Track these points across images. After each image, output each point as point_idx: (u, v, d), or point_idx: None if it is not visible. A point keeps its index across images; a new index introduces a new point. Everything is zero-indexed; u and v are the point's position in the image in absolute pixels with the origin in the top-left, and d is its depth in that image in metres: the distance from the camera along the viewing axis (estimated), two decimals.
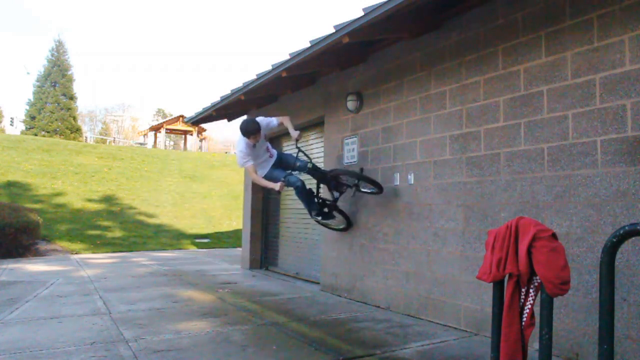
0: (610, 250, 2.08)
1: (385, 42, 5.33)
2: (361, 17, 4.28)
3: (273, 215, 8.54)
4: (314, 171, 5.43)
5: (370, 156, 5.60)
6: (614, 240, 2.06)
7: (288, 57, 5.48)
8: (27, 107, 37.25)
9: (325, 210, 5.65)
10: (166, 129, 40.00)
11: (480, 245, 4.12)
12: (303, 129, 7.17)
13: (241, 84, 6.87)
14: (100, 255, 11.22)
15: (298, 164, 5.48)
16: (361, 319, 4.67)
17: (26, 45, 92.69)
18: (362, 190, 5.37)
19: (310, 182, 5.97)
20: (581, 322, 3.34)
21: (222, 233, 15.31)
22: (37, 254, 10.87)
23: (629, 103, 3.17)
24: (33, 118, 36.51)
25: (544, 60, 3.71)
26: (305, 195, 5.47)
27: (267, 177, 5.39)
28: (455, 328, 4.30)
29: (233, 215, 17.29)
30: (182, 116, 36.76)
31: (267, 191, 8.65)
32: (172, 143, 54.48)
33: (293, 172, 5.51)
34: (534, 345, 3.27)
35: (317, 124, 7.03)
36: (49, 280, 7.00)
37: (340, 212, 5.70)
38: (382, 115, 5.44)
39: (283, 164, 5.56)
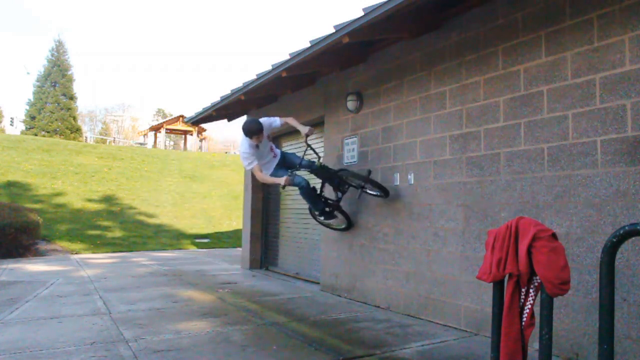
0: (610, 250, 2.08)
1: (385, 42, 5.33)
2: (361, 17, 4.28)
3: (273, 215, 8.54)
4: (322, 170, 5.35)
5: (370, 156, 5.60)
6: (614, 240, 2.06)
7: (288, 57, 5.48)
8: (27, 107, 37.26)
9: (328, 209, 5.63)
10: (166, 129, 40.00)
11: (480, 245, 4.12)
12: None
13: (241, 84, 6.87)
14: (100, 255, 11.22)
15: (303, 163, 5.39)
16: (361, 319, 4.67)
17: (26, 45, 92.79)
18: (368, 192, 5.32)
19: (314, 181, 5.95)
20: (581, 322, 3.34)
21: (222, 233, 15.31)
22: (37, 254, 10.87)
23: (629, 103, 3.17)
24: (33, 118, 36.52)
25: (544, 60, 3.71)
26: (310, 195, 5.44)
27: (272, 177, 5.38)
28: (455, 328, 4.30)
29: (233, 215, 17.29)
30: (182, 116, 36.76)
31: (267, 191, 8.66)
32: (172, 143, 54.48)
33: (298, 171, 5.46)
34: (534, 345, 3.27)
35: (317, 124, 7.02)
36: (49, 280, 7.00)
37: (342, 212, 5.69)
38: (382, 115, 5.44)
39: (287, 163, 5.54)
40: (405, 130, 5.10)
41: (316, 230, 6.92)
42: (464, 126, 4.38)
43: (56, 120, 36.30)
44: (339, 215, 5.71)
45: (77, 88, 73.11)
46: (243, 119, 9.18)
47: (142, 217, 15.75)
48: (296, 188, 5.50)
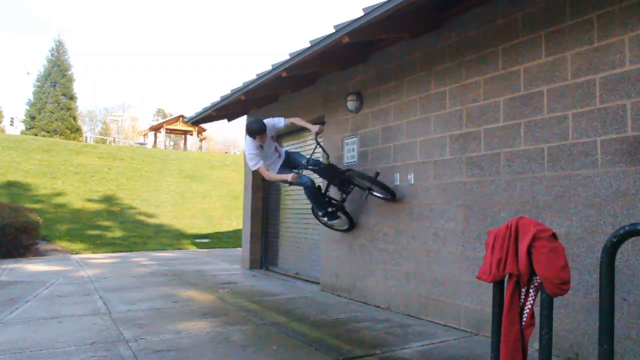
0: (610, 250, 2.08)
1: (385, 42, 5.33)
2: (361, 17, 4.28)
3: (273, 215, 8.53)
4: (329, 169, 5.30)
5: (370, 156, 5.60)
6: (614, 240, 2.06)
7: (288, 57, 5.48)
8: (27, 107, 37.27)
9: (332, 210, 5.62)
10: (166, 129, 40.00)
11: (480, 245, 4.12)
12: (303, 129, 7.15)
13: (241, 84, 6.87)
14: (100, 255, 11.22)
15: (310, 162, 5.32)
16: (361, 319, 4.67)
17: (26, 45, 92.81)
18: (375, 194, 5.28)
19: (318, 181, 5.92)
20: (581, 322, 3.34)
21: (222, 233, 15.31)
22: (37, 254, 10.87)
23: (629, 103, 3.17)
24: (33, 118, 36.52)
25: (544, 60, 3.71)
26: (315, 194, 5.43)
27: (278, 174, 5.38)
28: (455, 328, 4.30)
29: (233, 215, 17.29)
30: (182, 116, 36.76)
31: (267, 191, 8.66)
32: (172, 143, 54.48)
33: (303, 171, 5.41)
34: (534, 345, 3.27)
35: (317, 124, 7.01)
36: (49, 280, 7.00)
37: (345, 213, 5.67)
38: (382, 115, 5.44)
39: (291, 163, 5.53)
40: (405, 130, 5.10)
41: (316, 230, 6.91)
42: (464, 126, 4.38)
43: (56, 120, 36.31)
44: (342, 216, 5.70)
45: (77, 88, 73.19)
46: (243, 119, 9.19)
47: (142, 217, 15.75)
48: (297, 188, 5.50)
